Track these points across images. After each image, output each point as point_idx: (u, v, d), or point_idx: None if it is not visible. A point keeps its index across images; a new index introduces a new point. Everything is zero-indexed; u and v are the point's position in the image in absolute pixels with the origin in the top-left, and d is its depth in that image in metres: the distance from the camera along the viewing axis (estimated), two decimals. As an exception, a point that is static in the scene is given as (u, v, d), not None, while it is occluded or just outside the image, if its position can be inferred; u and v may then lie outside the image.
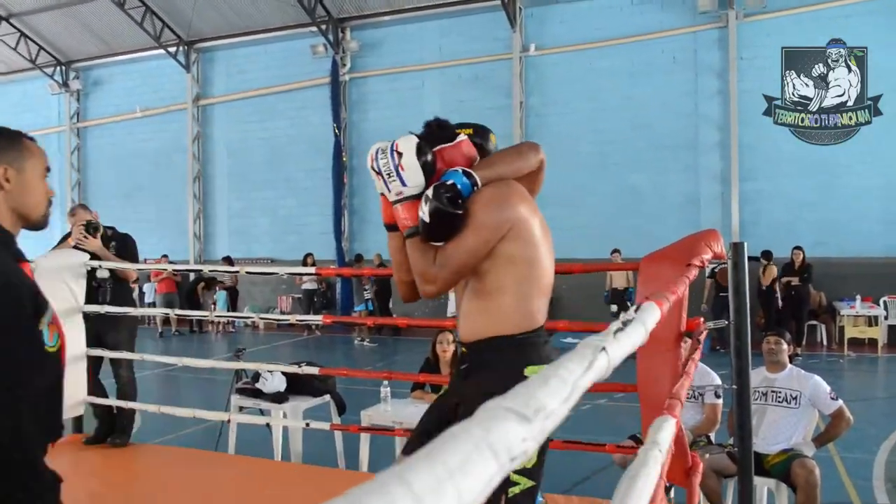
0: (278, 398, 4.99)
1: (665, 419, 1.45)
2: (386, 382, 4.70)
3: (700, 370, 4.28)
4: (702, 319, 3.06)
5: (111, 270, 4.86)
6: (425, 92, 15.25)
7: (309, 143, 16.17)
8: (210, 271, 12.59)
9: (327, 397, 5.20)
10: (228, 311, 15.17)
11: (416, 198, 2.18)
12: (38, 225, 1.94)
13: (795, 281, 11.54)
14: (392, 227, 2.39)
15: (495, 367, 2.19)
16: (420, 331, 12.25)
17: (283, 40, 16.56)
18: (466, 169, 2.22)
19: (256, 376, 5.13)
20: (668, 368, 2.92)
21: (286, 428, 4.95)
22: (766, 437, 4.12)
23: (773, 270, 11.62)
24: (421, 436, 2.40)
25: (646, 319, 1.15)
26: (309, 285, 14.80)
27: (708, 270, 11.60)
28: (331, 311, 14.88)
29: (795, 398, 4.17)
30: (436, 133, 2.37)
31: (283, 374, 4.98)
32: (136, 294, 12.75)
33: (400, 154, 2.18)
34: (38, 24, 18.43)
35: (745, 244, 3.11)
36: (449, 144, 2.33)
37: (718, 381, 4.39)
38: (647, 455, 1.18)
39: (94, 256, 4.77)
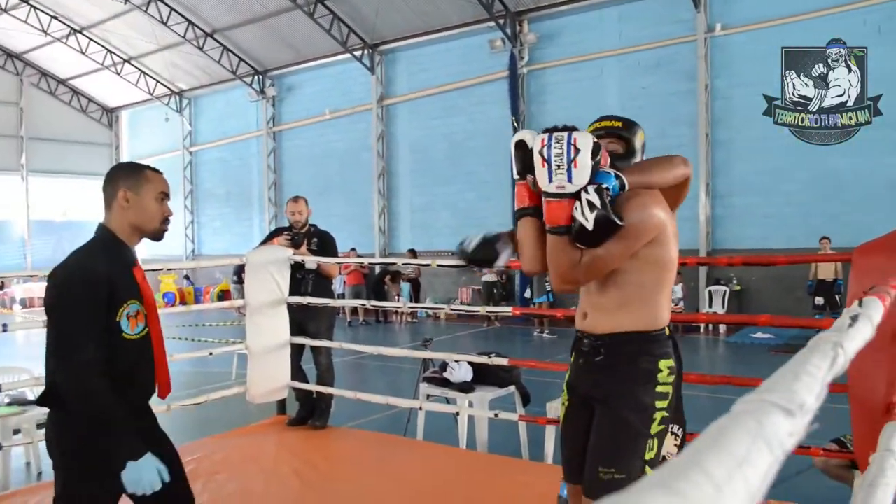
0: (465, 388, 5.08)
1: (896, 426, 1.34)
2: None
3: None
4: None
5: (315, 264, 5.18)
6: (604, 80, 14.95)
7: (488, 137, 16.36)
8: (403, 264, 13.05)
9: (512, 388, 5.23)
10: (411, 301, 15.69)
11: (571, 196, 2.12)
12: (153, 237, 2.42)
13: None
14: (526, 211, 2.32)
15: (634, 360, 2.27)
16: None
17: (462, 37, 16.85)
18: (617, 172, 2.17)
19: (444, 366, 5.25)
20: (885, 370, 2.69)
21: (472, 417, 5.04)
22: None
23: None
24: (575, 456, 2.42)
25: (872, 314, 1.07)
26: (489, 277, 15.00)
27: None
28: (510, 303, 14.99)
29: None
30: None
31: (470, 363, 5.07)
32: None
33: (577, 150, 2.09)
34: (237, 38, 19.93)
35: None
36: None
37: None
38: (883, 463, 1.09)
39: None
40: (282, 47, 19.60)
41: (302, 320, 5.24)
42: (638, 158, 2.41)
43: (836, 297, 11.76)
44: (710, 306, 13.39)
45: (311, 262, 5.14)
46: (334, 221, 16.32)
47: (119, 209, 2.32)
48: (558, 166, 2.09)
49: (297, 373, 5.34)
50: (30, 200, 24.39)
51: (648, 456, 2.25)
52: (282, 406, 5.58)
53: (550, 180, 2.10)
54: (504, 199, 15.84)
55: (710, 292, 13.57)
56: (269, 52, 20.11)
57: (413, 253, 16.14)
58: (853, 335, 0.89)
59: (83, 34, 21.64)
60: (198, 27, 19.73)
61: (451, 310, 5.06)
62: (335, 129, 19.36)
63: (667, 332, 2.33)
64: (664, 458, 2.27)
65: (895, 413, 1.51)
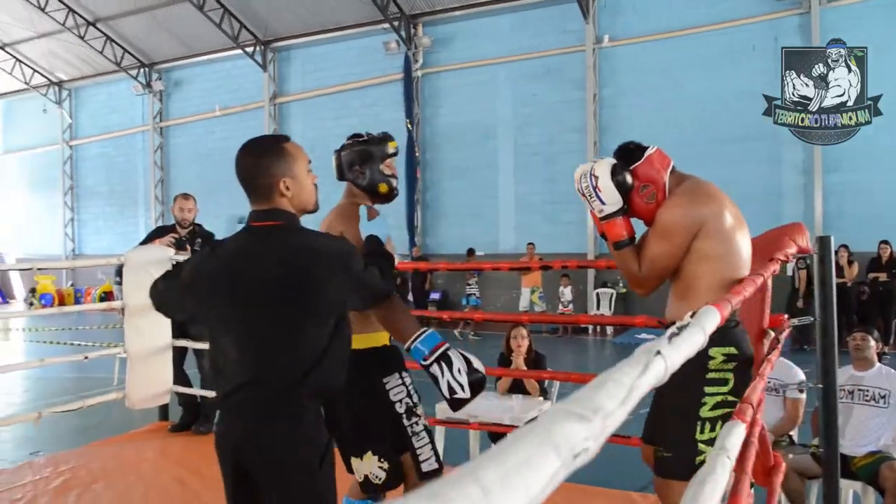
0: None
1: (734, 424, 1.43)
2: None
3: (783, 364, 4.15)
4: (785, 316, 2.98)
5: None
6: (498, 86, 15.21)
7: (382, 138, 16.32)
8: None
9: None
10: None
11: (618, 214, 2.50)
12: (313, 211, 2.26)
13: (884, 277, 11.09)
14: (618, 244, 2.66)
15: None
16: (492, 325, 12.27)
17: (357, 38, 16.77)
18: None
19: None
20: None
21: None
22: (854, 438, 3.97)
23: (855, 267, 11.22)
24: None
25: (705, 324, 1.16)
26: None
27: (791, 266, 11.24)
28: (408, 305, 14.99)
29: (884, 397, 4.01)
30: (628, 154, 2.61)
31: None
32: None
33: (596, 177, 2.48)
34: (122, 28, 19.14)
35: (832, 238, 3.02)
36: (639, 162, 2.56)
37: (802, 377, 4.25)
38: (715, 461, 1.17)
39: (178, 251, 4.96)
40: (170, 40, 18.93)
41: (183, 323, 5.09)
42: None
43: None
44: (598, 308, 13.84)
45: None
46: (222, 222, 15.91)
47: (280, 198, 2.08)
48: (590, 196, 2.50)
49: (180, 377, 5.19)
50: None
51: (702, 437, 2.41)
52: (164, 411, 5.41)
53: (593, 208, 2.53)
54: (398, 201, 15.74)
55: (597, 294, 14.01)
56: (157, 45, 19.39)
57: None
58: (677, 343, 0.96)
59: (-49, 18, 20.23)
60: (79, 15, 18.78)
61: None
62: (225, 126, 18.86)
63: (729, 321, 2.41)
64: None
65: (738, 412, 1.61)
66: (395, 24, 15.71)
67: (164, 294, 2.26)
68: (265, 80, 18.10)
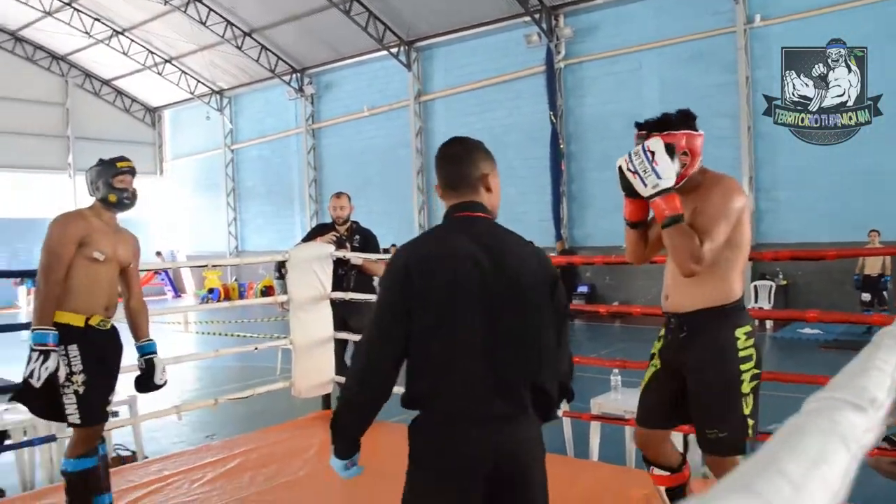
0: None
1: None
2: (616, 371, 4.67)
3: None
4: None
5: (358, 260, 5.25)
6: (643, 73, 14.82)
7: (525, 132, 16.32)
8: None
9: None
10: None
11: (671, 190, 2.52)
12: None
13: None
14: (634, 224, 2.83)
15: (715, 333, 2.64)
16: (640, 318, 11.99)
17: (498, 32, 16.82)
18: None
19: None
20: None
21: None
22: None
23: None
24: (657, 406, 2.87)
25: None
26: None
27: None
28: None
29: None
30: (683, 119, 2.68)
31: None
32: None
33: (652, 153, 2.51)
34: (275, 37, 20.15)
35: None
36: (695, 133, 2.67)
37: None
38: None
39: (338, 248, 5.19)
40: (319, 45, 19.76)
41: (345, 315, 5.31)
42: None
43: (884, 292, 11.49)
44: (756, 301, 13.21)
45: (355, 259, 5.21)
46: (374, 217, 16.42)
47: (486, 195, 2.08)
48: (644, 171, 2.52)
49: (342, 368, 5.42)
50: (77, 198, 24.91)
51: (746, 411, 2.62)
52: (327, 401, 5.67)
53: (646, 185, 2.53)
54: (544, 193, 15.80)
55: (755, 287, 13.38)
56: (307, 51, 20.29)
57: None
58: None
59: (125, 35, 22.02)
60: (236, 27, 19.97)
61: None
62: (373, 125, 19.47)
63: (741, 303, 2.70)
64: None
65: None
66: (536, 16, 15.63)
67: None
68: (410, 79, 18.51)
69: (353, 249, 5.34)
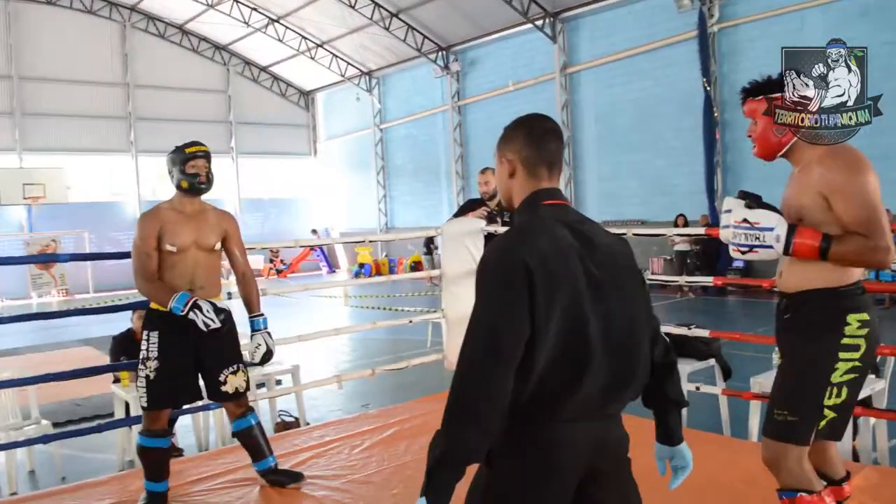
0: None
1: None
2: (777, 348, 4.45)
3: None
4: None
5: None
6: (806, 33, 13.85)
7: (677, 101, 15.72)
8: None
9: (712, 361, 5.07)
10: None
11: (792, 227, 2.42)
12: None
13: None
14: (823, 257, 2.52)
15: (818, 315, 2.46)
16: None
17: (646, -2, 16.27)
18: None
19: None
20: None
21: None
22: None
23: None
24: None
25: None
26: (681, 246, 14.50)
27: None
28: (703, 273, 14.41)
29: None
30: (780, 81, 2.72)
31: (667, 335, 4.97)
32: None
33: (743, 220, 2.50)
34: (421, 16, 20.43)
35: None
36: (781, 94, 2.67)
37: None
38: None
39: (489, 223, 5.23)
40: (464, 22, 19.85)
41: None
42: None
43: None
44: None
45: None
46: (519, 193, 16.40)
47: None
48: (756, 239, 2.48)
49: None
50: (240, 180, 26.47)
51: (829, 402, 2.43)
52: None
53: (772, 247, 2.45)
54: (696, 164, 15.20)
55: None
56: (452, 28, 20.44)
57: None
58: None
59: (280, 23, 23.05)
60: (384, 8, 20.41)
61: (665, 281, 4.97)
62: (519, 100, 19.39)
63: (858, 287, 2.47)
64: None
65: None
66: (689, -22, 14.96)
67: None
68: (555, 51, 18.26)
69: (504, 224, 5.37)
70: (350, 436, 4.67)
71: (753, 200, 2.55)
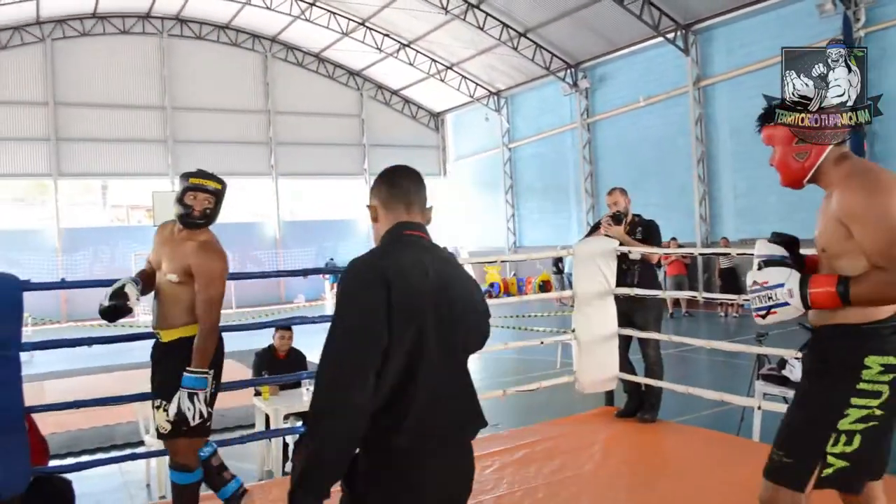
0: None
1: None
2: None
3: None
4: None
5: (640, 255, 5.18)
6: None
7: (820, 111, 14.91)
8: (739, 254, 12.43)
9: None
10: (730, 292, 14.88)
11: (805, 279, 2.23)
12: None
13: None
14: (844, 301, 2.28)
15: (834, 354, 2.24)
16: None
17: (785, 5, 15.57)
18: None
19: (782, 363, 4.95)
20: None
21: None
22: None
23: None
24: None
25: None
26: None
27: None
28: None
29: None
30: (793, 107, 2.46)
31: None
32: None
33: (753, 282, 2.34)
34: (549, 34, 20.44)
35: None
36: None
37: None
38: None
39: (621, 243, 5.14)
40: (592, 38, 19.68)
41: (628, 311, 5.26)
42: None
43: None
44: None
45: (636, 252, 5.14)
46: (651, 210, 15.86)
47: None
48: (769, 299, 2.29)
49: (626, 364, 5.37)
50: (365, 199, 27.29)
51: (834, 450, 2.21)
52: (610, 397, 5.65)
53: (789, 304, 2.25)
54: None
55: None
56: (580, 45, 20.31)
57: (726, 241, 15.54)
58: None
59: (411, 47, 23.68)
60: (511, 28, 20.55)
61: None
62: (650, 115, 18.99)
63: (886, 326, 2.20)
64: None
65: None
66: (832, -18, 14.22)
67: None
68: (688, 64, 17.78)
69: (636, 241, 5.26)
70: (480, 455, 4.66)
71: (781, 242, 2.43)
